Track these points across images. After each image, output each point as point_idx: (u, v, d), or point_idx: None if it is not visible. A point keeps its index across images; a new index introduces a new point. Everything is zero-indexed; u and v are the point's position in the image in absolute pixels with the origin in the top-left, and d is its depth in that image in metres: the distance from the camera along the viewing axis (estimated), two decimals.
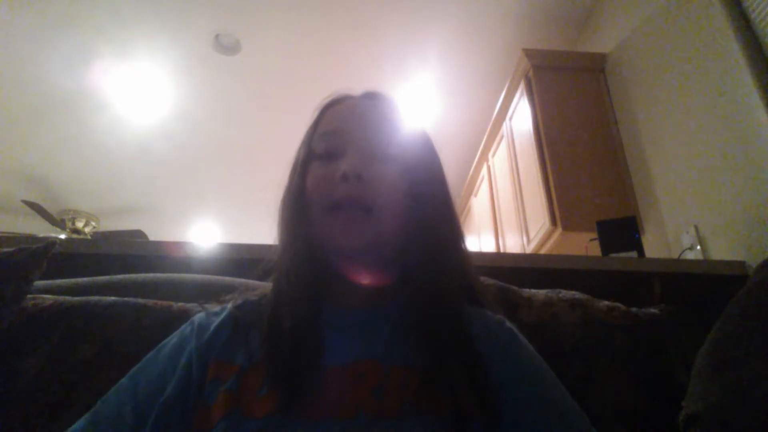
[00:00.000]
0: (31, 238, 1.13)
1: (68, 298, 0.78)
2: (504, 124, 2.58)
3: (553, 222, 1.95)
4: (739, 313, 0.61)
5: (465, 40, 2.67)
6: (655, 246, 1.84)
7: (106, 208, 4.13)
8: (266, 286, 0.60)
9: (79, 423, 0.48)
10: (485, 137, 2.86)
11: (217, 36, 2.62)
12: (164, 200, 4.08)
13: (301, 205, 0.56)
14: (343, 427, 0.44)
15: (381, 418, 0.44)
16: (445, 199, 0.61)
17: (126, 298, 0.78)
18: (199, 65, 2.80)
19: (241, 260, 1.08)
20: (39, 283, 0.81)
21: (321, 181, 0.55)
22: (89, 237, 4.08)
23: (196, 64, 2.79)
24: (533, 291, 0.87)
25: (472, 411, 0.46)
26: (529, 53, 2.29)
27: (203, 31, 2.59)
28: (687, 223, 1.66)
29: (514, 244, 2.43)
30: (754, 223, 1.39)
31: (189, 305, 0.78)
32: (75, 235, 4.03)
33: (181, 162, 3.61)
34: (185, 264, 1.09)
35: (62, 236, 3.58)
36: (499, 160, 2.69)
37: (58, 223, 3.99)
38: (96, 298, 0.78)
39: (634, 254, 1.53)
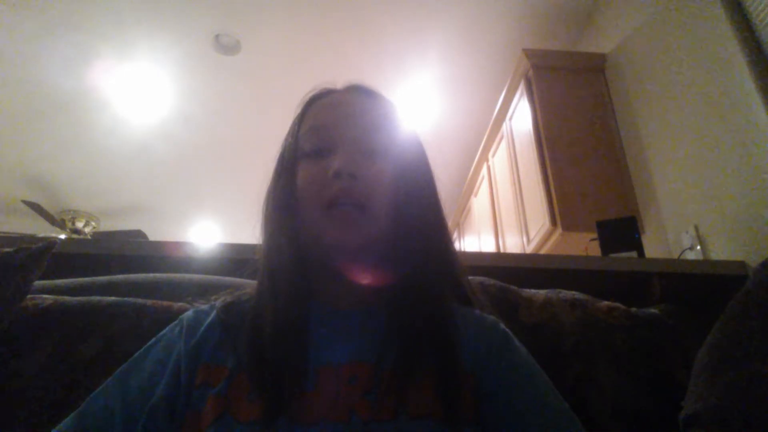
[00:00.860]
0: (31, 238, 1.13)
1: (68, 298, 0.78)
2: (504, 124, 2.58)
3: (553, 222, 1.95)
4: (739, 313, 0.61)
5: (465, 40, 2.67)
6: (655, 246, 1.84)
7: (106, 208, 4.13)
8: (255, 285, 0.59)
9: (66, 423, 0.47)
10: (485, 137, 2.86)
11: (217, 36, 2.62)
12: (164, 200, 4.08)
13: (289, 203, 0.55)
14: (335, 430, 0.44)
15: (374, 420, 0.44)
16: (433, 197, 0.61)
17: (126, 298, 0.78)
18: (199, 65, 2.80)
19: (241, 260, 1.08)
20: (39, 283, 0.81)
21: (313, 180, 0.54)
22: (89, 237, 4.08)
23: (196, 64, 2.79)
24: (533, 291, 0.87)
25: (466, 415, 0.46)
26: (529, 53, 2.29)
27: (203, 31, 2.59)
28: (687, 223, 1.66)
29: (514, 244, 2.43)
30: (754, 223, 1.39)
31: (189, 305, 0.78)
32: (75, 235, 4.03)
33: (181, 162, 3.61)
34: (185, 264, 1.09)
35: (62, 236, 3.58)
36: (499, 160, 2.69)
37: (58, 223, 3.99)
38: (96, 298, 0.78)
39: (634, 254, 1.53)
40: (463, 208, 3.45)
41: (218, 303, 0.56)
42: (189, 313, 0.56)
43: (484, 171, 2.96)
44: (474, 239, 3.18)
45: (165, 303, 0.78)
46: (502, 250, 2.59)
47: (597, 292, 0.90)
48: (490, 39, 2.66)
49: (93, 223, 4.21)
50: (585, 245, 1.90)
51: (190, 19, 2.53)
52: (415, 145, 0.62)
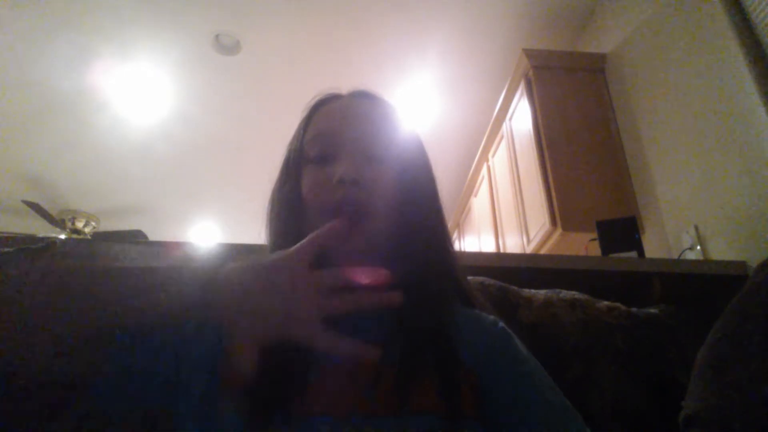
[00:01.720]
0: (31, 238, 1.13)
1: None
2: (504, 124, 2.58)
3: (553, 222, 1.95)
4: (739, 313, 0.61)
5: (465, 40, 2.67)
6: (655, 246, 1.84)
7: (106, 208, 4.13)
8: None
9: None
10: (485, 137, 2.86)
11: (217, 36, 2.62)
12: (164, 200, 4.08)
13: (295, 207, 0.56)
14: (336, 424, 0.44)
15: (376, 416, 0.44)
16: (435, 200, 0.62)
17: None
18: (199, 65, 2.80)
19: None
20: None
21: (317, 186, 0.55)
22: (89, 237, 4.08)
23: (196, 64, 2.79)
24: (533, 291, 0.87)
25: (467, 412, 0.46)
26: (529, 53, 2.29)
27: (203, 31, 2.59)
28: (687, 223, 1.66)
29: (514, 244, 2.43)
30: (754, 223, 1.39)
31: None
32: (75, 235, 4.03)
33: (181, 162, 3.61)
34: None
35: (62, 236, 3.58)
36: (499, 160, 2.69)
37: (58, 223, 3.99)
38: None
39: (634, 254, 1.53)
40: (463, 208, 3.45)
41: None
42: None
43: (484, 171, 2.96)
44: (474, 239, 3.18)
45: None
46: (502, 250, 2.59)
47: (597, 292, 0.90)
48: (490, 39, 2.66)
49: (93, 223, 4.21)
50: (585, 245, 1.90)
51: (190, 19, 2.52)
52: (417, 149, 0.63)
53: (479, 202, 3.09)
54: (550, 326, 0.79)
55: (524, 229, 2.26)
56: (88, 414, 0.50)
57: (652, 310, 0.87)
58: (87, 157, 3.49)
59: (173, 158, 3.56)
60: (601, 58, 2.28)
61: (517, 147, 2.39)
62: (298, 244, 0.45)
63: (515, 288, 0.87)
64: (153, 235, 4.02)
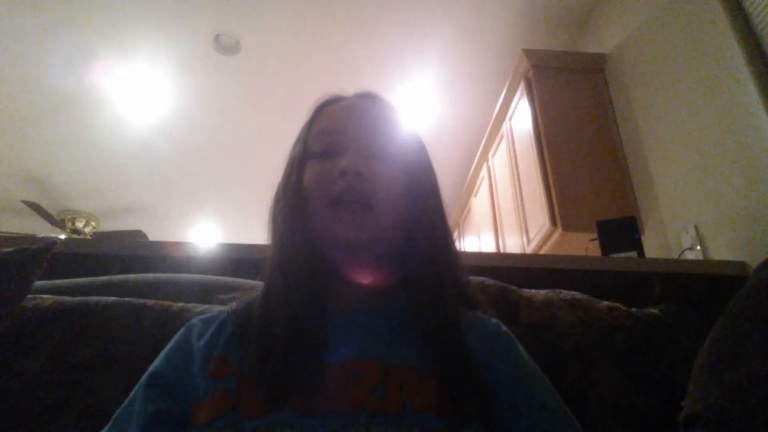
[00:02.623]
0: (31, 238, 1.13)
1: (68, 298, 0.78)
2: (504, 124, 2.58)
3: (553, 222, 1.95)
4: (739, 313, 0.61)
5: (465, 40, 2.67)
6: (655, 246, 1.84)
7: (106, 208, 4.13)
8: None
9: None
10: (485, 137, 2.86)
11: (217, 36, 2.63)
12: (164, 200, 4.08)
13: (298, 202, 0.56)
14: (344, 422, 0.44)
15: (381, 413, 0.45)
16: (437, 200, 0.62)
17: (126, 298, 0.78)
18: (199, 65, 2.80)
19: (241, 260, 1.08)
20: (39, 283, 0.81)
21: (320, 178, 0.55)
22: (89, 237, 4.08)
23: (196, 64, 2.79)
24: (533, 291, 0.87)
25: (471, 412, 0.46)
26: (529, 53, 2.29)
27: (203, 31, 2.59)
28: (687, 223, 1.66)
29: (514, 244, 2.43)
30: (754, 223, 1.39)
31: (189, 305, 0.78)
32: (75, 235, 4.03)
33: (181, 162, 3.61)
34: (185, 264, 1.08)
35: (62, 236, 3.58)
36: (499, 160, 2.69)
37: (58, 223, 3.99)
38: (96, 298, 0.78)
39: (634, 254, 1.53)
40: (463, 208, 3.45)
41: (229, 307, 0.58)
42: (195, 320, 0.57)
43: (484, 171, 2.96)
44: (474, 239, 3.18)
45: (165, 303, 0.78)
46: (502, 250, 2.59)
47: (597, 292, 0.90)
48: (490, 39, 2.66)
49: (93, 223, 4.21)
50: (585, 245, 1.90)
51: (190, 19, 2.53)
52: (420, 148, 0.64)
53: (479, 202, 3.09)
54: (550, 326, 0.79)
55: (524, 229, 2.26)
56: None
57: (652, 310, 0.87)
58: (87, 156, 3.49)
59: (173, 158, 3.56)
60: (601, 58, 2.28)
61: (517, 147, 2.39)
62: None
63: (515, 288, 0.87)
64: (153, 235, 4.03)
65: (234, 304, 0.58)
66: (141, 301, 0.78)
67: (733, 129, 1.49)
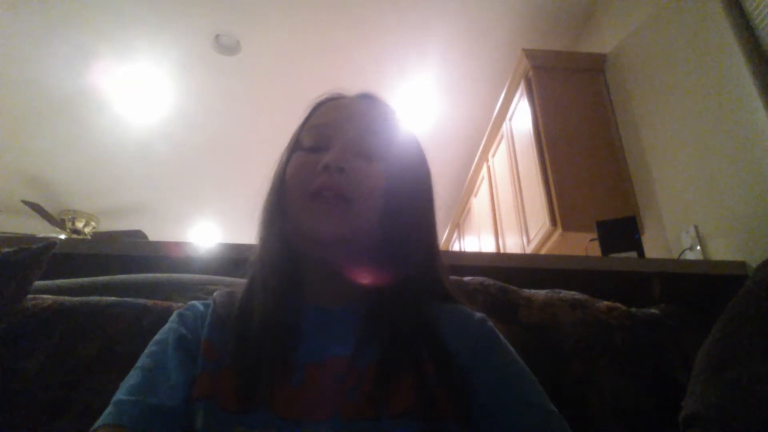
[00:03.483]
0: (31, 238, 1.13)
1: (68, 298, 0.78)
2: (504, 124, 2.58)
3: (553, 222, 1.95)
4: (739, 313, 0.61)
5: (465, 40, 2.67)
6: (655, 246, 1.84)
7: (106, 208, 4.13)
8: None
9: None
10: (485, 137, 2.86)
11: (217, 36, 2.62)
12: (164, 200, 4.08)
13: (280, 196, 0.56)
14: (317, 428, 0.44)
15: (356, 419, 0.44)
16: (427, 202, 0.62)
17: (126, 298, 0.78)
18: (199, 65, 2.80)
19: (241, 260, 1.08)
20: (39, 283, 0.81)
21: (301, 170, 0.55)
22: (89, 237, 4.08)
23: (196, 64, 2.79)
24: (533, 291, 0.87)
25: (447, 410, 0.46)
26: (529, 53, 2.29)
27: (203, 31, 2.59)
28: (687, 223, 1.66)
29: (514, 244, 2.43)
30: (754, 223, 1.39)
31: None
32: (75, 235, 4.03)
33: (181, 162, 3.61)
34: (185, 264, 1.08)
35: (62, 236, 3.58)
36: (499, 160, 2.69)
37: (58, 223, 3.99)
38: (96, 298, 0.78)
39: (634, 254, 1.53)
40: (463, 208, 3.45)
41: (211, 298, 0.59)
42: (182, 311, 0.57)
43: (484, 171, 2.96)
44: (474, 239, 3.18)
45: (165, 303, 0.78)
46: (502, 250, 2.59)
47: (597, 292, 0.90)
48: (490, 39, 2.66)
49: (93, 223, 4.21)
50: (585, 245, 1.90)
51: (190, 19, 2.52)
52: (415, 153, 0.63)
53: (479, 202, 3.09)
54: (550, 326, 0.79)
55: (524, 229, 2.26)
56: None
57: (652, 310, 0.87)
58: (87, 156, 3.49)
59: (173, 158, 3.56)
60: (601, 58, 2.28)
61: (517, 147, 2.39)
62: None
63: (515, 288, 0.87)
64: (153, 235, 4.03)
65: (216, 294, 0.59)
66: (141, 301, 0.78)
67: (733, 129, 1.49)
